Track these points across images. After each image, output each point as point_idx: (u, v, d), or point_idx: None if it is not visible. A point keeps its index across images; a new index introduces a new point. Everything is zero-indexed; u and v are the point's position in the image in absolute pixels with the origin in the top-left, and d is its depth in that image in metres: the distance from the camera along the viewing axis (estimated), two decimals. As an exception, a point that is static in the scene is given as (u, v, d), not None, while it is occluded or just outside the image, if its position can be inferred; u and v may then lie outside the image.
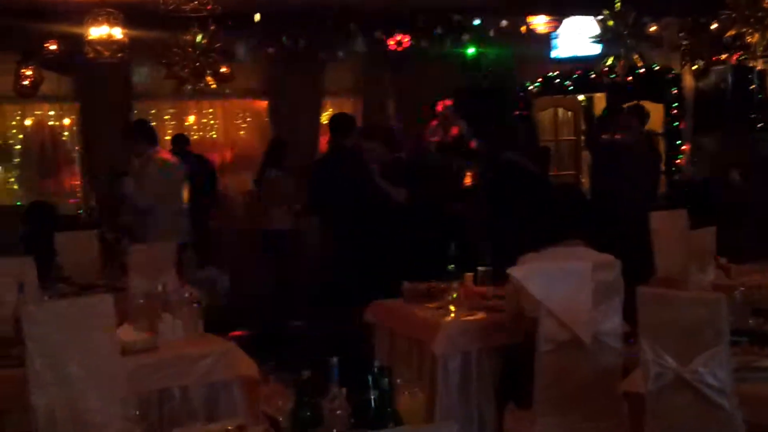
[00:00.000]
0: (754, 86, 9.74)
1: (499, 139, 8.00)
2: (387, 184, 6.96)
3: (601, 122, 8.85)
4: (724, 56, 9.66)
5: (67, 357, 3.58)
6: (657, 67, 10.05)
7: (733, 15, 7.50)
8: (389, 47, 11.05)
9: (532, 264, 4.29)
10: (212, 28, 7.98)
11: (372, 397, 2.82)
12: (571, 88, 10.85)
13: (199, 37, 8.14)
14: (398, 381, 2.96)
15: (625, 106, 8.64)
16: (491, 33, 10.42)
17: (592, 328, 4.11)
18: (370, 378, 2.82)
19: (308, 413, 2.83)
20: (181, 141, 9.64)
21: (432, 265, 5.15)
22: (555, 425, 4.09)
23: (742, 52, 9.30)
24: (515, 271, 4.26)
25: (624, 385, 3.81)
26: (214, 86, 8.71)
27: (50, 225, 7.01)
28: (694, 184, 9.54)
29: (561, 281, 4.14)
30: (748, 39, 7.84)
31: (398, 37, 10.96)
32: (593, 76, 10.44)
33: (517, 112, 10.35)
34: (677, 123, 10.12)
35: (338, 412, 2.82)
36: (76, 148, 10.40)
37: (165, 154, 7.78)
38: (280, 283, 8.41)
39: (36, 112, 10.28)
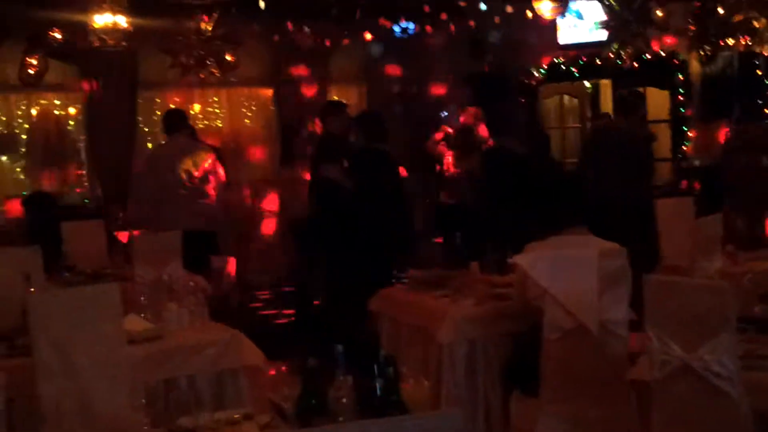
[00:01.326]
0: (760, 72, 9.69)
1: (497, 125, 8.03)
2: (338, 171, 6.84)
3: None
4: (731, 42, 9.62)
5: (73, 346, 3.59)
6: (663, 53, 10.00)
7: (740, 0, 7.46)
8: (395, 33, 11.04)
9: (538, 252, 4.29)
10: (215, 15, 7.96)
11: (377, 385, 2.82)
12: (577, 74, 10.81)
13: (203, 25, 8.12)
14: (403, 369, 2.97)
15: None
16: (496, 19, 10.38)
17: (599, 317, 4.10)
18: (375, 366, 2.82)
19: (314, 401, 2.84)
20: None
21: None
22: (561, 413, 4.09)
23: (749, 38, 9.26)
24: (521, 259, 4.25)
25: (630, 373, 3.80)
26: (218, 74, 8.69)
27: (50, 215, 6.99)
28: (701, 172, 9.52)
29: (567, 269, 4.13)
30: (755, 24, 7.80)
31: (403, 23, 10.95)
32: (599, 62, 10.40)
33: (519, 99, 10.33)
34: (683, 109, 10.08)
35: (344, 400, 2.83)
36: (82, 137, 10.40)
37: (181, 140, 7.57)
38: (290, 272, 8.40)
39: (41, 102, 10.27)
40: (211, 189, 7.32)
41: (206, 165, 7.34)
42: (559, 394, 4.10)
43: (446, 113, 10.38)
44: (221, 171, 7.58)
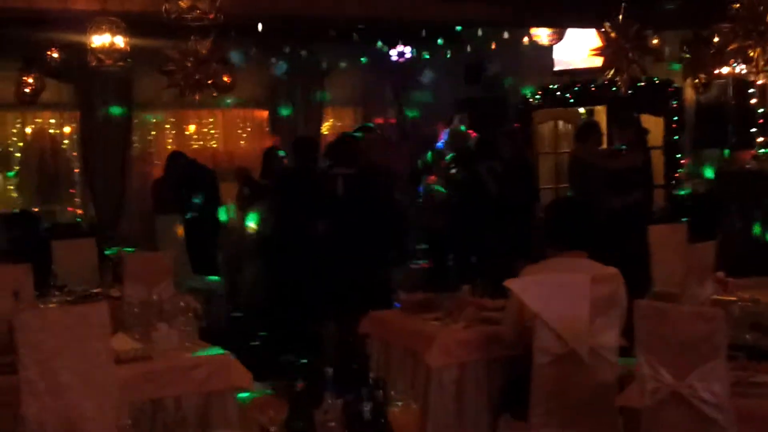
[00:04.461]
0: (755, 100, 9.73)
1: (479, 151, 8.11)
2: None
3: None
4: (725, 70, 9.65)
5: (60, 365, 3.57)
6: (658, 81, 10.04)
7: (735, 29, 7.47)
8: (391, 57, 11.09)
9: (530, 276, 4.28)
10: (211, 37, 7.96)
11: (366, 408, 2.80)
12: (572, 100, 10.85)
13: (200, 47, 8.13)
14: (392, 393, 2.95)
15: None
16: (493, 45, 10.43)
17: (589, 342, 4.09)
18: (364, 390, 2.81)
19: (301, 424, 2.82)
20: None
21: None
22: (551, 438, 4.07)
23: (743, 66, 9.30)
24: (513, 283, 4.24)
25: (620, 400, 3.79)
26: (215, 95, 8.69)
27: (34, 233, 7.01)
28: (694, 198, 9.53)
29: (558, 294, 4.11)
30: (750, 53, 7.82)
31: (400, 48, 11.00)
32: (594, 88, 10.44)
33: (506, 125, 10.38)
34: (677, 137, 10.12)
35: (331, 423, 2.81)
36: (75, 155, 10.39)
37: None
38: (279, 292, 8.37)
39: (36, 120, 10.28)
40: None
41: None
42: (548, 418, 4.07)
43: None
44: None
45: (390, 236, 6.93)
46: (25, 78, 9.48)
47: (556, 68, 11.08)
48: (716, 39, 8.71)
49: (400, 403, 2.95)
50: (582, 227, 4.46)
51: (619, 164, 8.08)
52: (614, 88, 9.21)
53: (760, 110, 9.72)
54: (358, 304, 5.59)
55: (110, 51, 7.40)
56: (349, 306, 6.10)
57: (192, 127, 10.94)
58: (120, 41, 7.38)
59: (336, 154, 7.16)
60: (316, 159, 8.11)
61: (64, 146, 10.43)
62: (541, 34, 9.59)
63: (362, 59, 11.19)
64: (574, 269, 4.27)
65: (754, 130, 9.68)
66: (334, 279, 6.58)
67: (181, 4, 6.68)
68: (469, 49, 10.94)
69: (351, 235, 6.70)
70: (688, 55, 9.57)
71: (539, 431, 4.06)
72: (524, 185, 7.98)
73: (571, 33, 10.25)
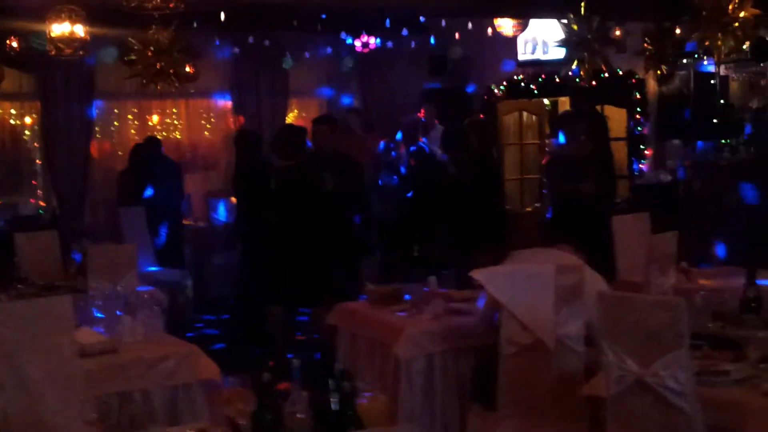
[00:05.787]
0: (716, 92, 9.83)
1: (445, 142, 8.15)
2: None
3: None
4: (687, 61, 9.75)
5: (24, 359, 3.53)
6: (621, 72, 10.12)
7: (698, 20, 7.55)
8: (356, 48, 11.07)
9: (495, 267, 4.30)
10: (173, 27, 7.89)
11: (333, 400, 2.81)
12: (536, 92, 10.90)
13: (161, 36, 8.05)
14: (360, 384, 2.95)
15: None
16: (457, 35, 10.45)
17: (555, 332, 4.12)
18: (331, 381, 2.81)
19: (269, 416, 2.81)
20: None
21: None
22: (518, 427, 4.10)
23: (704, 57, 9.41)
24: (479, 274, 4.26)
25: (586, 389, 3.82)
26: (177, 86, 8.62)
27: None
28: (657, 189, 9.62)
29: (524, 284, 4.15)
30: (712, 45, 7.90)
31: (365, 38, 10.98)
32: (558, 80, 10.50)
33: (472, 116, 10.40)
34: (640, 128, 10.20)
35: (299, 415, 2.81)
36: (36, 146, 10.26)
37: None
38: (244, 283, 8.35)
39: (-4, 111, 10.13)
40: None
41: None
42: (515, 408, 4.11)
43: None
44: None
45: (340, 228, 6.91)
46: (-16, 68, 9.34)
47: (520, 59, 11.12)
48: (678, 31, 8.81)
49: (368, 395, 2.96)
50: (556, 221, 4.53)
51: (566, 153, 8.12)
52: (577, 80, 9.31)
53: (722, 101, 9.82)
54: (324, 296, 5.58)
55: (70, 40, 7.31)
56: (314, 298, 6.09)
57: (155, 118, 10.84)
58: (80, 30, 7.30)
59: (275, 146, 7.13)
60: (259, 152, 8.09)
61: (25, 137, 10.29)
62: (505, 25, 9.63)
63: (327, 49, 11.16)
64: (538, 260, 4.31)
65: (715, 121, 9.78)
66: (290, 272, 6.56)
67: (142, -8, 6.61)
68: (433, 39, 10.94)
69: (298, 228, 6.68)
70: (650, 47, 9.65)
71: (507, 421, 4.10)
72: (489, 177, 8.00)
73: (535, 24, 10.30)
